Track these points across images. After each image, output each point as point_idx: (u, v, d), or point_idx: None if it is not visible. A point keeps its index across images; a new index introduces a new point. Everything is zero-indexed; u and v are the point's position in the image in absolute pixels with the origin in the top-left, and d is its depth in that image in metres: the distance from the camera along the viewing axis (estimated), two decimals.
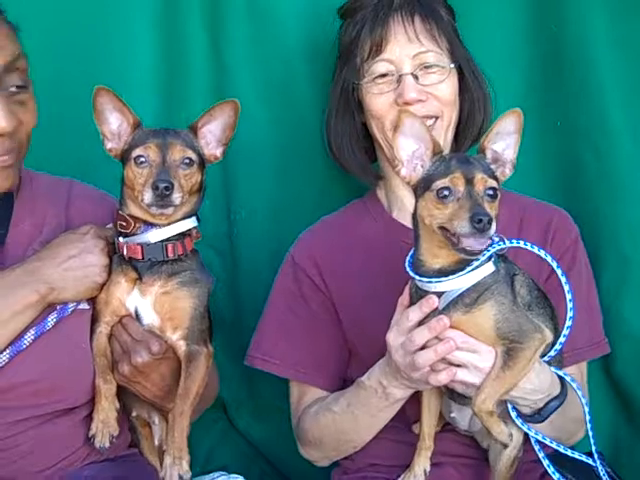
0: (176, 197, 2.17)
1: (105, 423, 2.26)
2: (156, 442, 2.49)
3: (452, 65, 2.55)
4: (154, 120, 2.88)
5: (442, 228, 2.11)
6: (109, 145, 2.28)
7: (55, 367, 2.21)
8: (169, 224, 2.25)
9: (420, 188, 2.17)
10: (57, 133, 2.78)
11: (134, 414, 2.45)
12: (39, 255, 2.25)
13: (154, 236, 2.24)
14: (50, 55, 2.87)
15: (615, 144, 2.88)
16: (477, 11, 2.91)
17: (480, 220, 2.03)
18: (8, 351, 2.16)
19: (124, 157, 2.25)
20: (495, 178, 2.15)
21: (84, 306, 2.27)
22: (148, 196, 2.16)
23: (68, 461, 2.26)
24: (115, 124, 2.27)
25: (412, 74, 2.51)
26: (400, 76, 2.51)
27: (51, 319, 2.21)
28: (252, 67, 3.00)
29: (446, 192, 2.10)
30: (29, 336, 2.18)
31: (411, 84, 2.50)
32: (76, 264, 2.23)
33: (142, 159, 2.21)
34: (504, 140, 2.18)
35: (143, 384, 2.30)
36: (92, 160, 2.59)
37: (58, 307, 2.23)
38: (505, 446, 2.30)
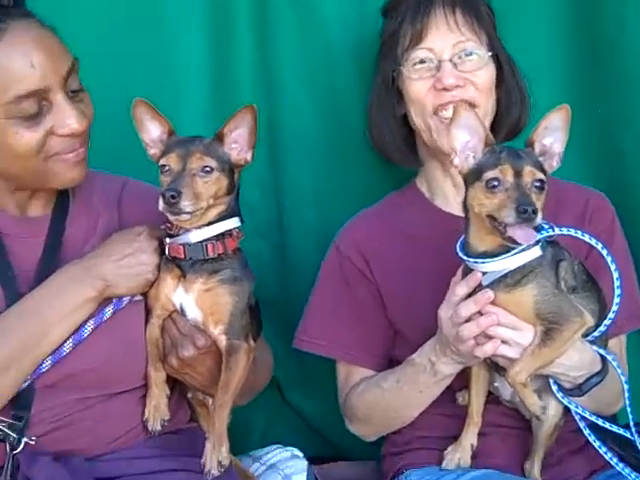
0: (185, 205, 2.22)
1: (156, 409, 2.37)
2: None
3: (489, 54, 2.61)
4: (205, 116, 3.04)
5: (490, 217, 2.20)
6: (151, 151, 2.35)
7: (112, 354, 2.33)
8: (209, 224, 2.32)
9: (471, 177, 2.27)
10: (111, 134, 2.83)
11: (189, 395, 2.54)
12: (96, 252, 2.36)
13: (195, 236, 2.31)
14: (105, 61, 2.97)
15: None
16: (518, 2, 2.98)
17: (525, 210, 2.12)
18: (70, 341, 2.27)
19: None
20: (543, 171, 2.23)
21: (138, 298, 2.38)
22: (160, 203, 2.24)
23: (133, 433, 2.39)
24: (155, 132, 2.34)
25: (451, 60, 2.57)
26: (439, 62, 2.58)
27: (108, 311, 2.33)
28: (298, 63, 3.08)
29: (495, 182, 2.20)
30: (88, 327, 2.30)
31: (449, 70, 2.57)
32: (130, 262, 2.33)
33: (166, 167, 2.28)
34: (552, 135, 2.26)
35: (191, 375, 2.39)
36: (143, 160, 2.61)
37: (114, 300, 2.34)
38: (537, 418, 2.39)
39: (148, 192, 2.45)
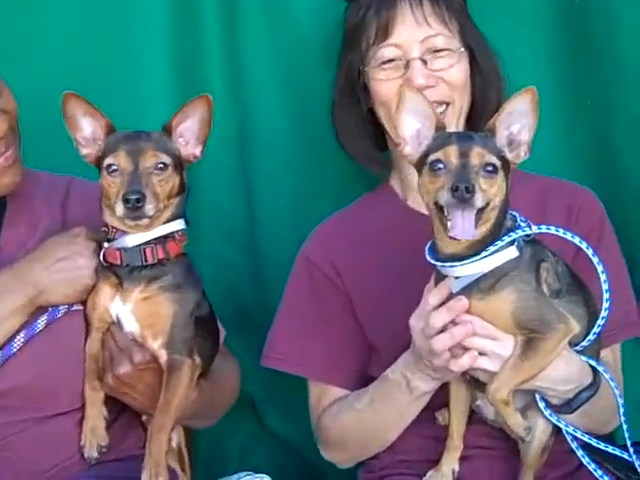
0: (149, 208, 2.17)
1: (93, 432, 2.30)
2: (173, 444, 2.49)
3: (462, 49, 2.55)
4: (169, 114, 2.85)
5: (436, 205, 2.10)
6: (84, 151, 2.28)
7: (47, 370, 2.26)
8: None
9: (419, 165, 2.17)
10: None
11: (144, 418, 2.45)
12: (29, 257, 2.30)
13: (132, 240, 2.25)
14: (61, 59, 2.95)
15: None
16: None
17: (457, 188, 2.00)
18: None
19: (99, 164, 2.25)
20: (501, 157, 2.13)
21: (76, 307, 2.32)
22: (120, 209, 2.16)
23: (72, 461, 2.31)
24: (88, 130, 2.27)
25: (420, 59, 2.51)
26: (408, 61, 2.52)
27: (41, 322, 2.26)
28: (269, 62, 3.04)
29: (440, 165, 2.09)
30: (18, 340, 2.24)
31: (419, 69, 2.50)
32: (66, 266, 2.28)
33: (114, 167, 2.20)
34: (519, 121, 2.15)
35: (130, 395, 2.34)
36: None
37: (49, 309, 2.28)
38: (522, 440, 2.29)
39: (94, 192, 2.39)
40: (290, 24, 3.00)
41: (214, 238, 3.07)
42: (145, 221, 2.20)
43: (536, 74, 2.91)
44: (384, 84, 2.54)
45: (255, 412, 3.16)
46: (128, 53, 2.98)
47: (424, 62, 2.50)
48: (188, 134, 2.27)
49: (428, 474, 2.43)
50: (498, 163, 2.09)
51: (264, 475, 2.67)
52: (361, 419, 2.51)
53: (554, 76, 2.96)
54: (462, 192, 1.99)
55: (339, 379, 2.61)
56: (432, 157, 2.11)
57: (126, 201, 2.14)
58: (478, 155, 2.07)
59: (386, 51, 2.53)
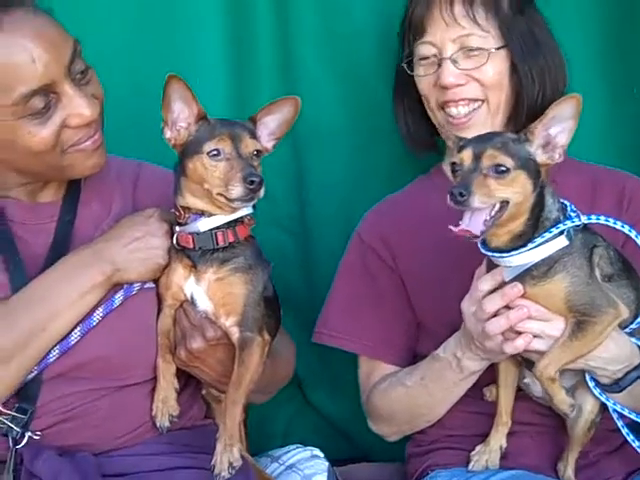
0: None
1: (164, 403, 2.28)
2: None
3: (494, 49, 2.49)
4: (223, 101, 2.97)
5: None
6: (169, 134, 2.24)
7: (123, 343, 2.26)
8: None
9: None
10: (126, 119, 2.78)
11: (204, 391, 2.46)
12: (105, 236, 2.29)
13: (204, 225, 2.23)
14: (119, 41, 2.93)
15: None
16: None
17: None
18: (79, 329, 2.20)
19: (187, 148, 2.22)
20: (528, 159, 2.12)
21: (149, 285, 2.30)
22: (238, 190, 2.14)
23: (144, 428, 2.30)
24: (179, 113, 2.23)
25: (451, 58, 2.48)
26: (440, 59, 2.50)
27: (118, 297, 2.25)
28: (320, 47, 3.01)
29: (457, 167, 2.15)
30: (98, 314, 2.23)
31: (449, 69, 2.48)
32: (140, 246, 2.26)
33: (215, 152, 2.17)
34: (559, 124, 2.13)
35: (201, 368, 2.31)
36: (159, 145, 2.54)
37: (125, 286, 2.27)
38: (566, 416, 2.30)
39: (163, 176, 2.39)
40: (343, 11, 2.96)
41: (265, 222, 2.94)
42: (253, 202, 2.20)
43: (583, 64, 2.87)
44: (422, 79, 2.56)
45: (300, 389, 3.17)
46: (181, 43, 2.95)
47: (454, 61, 2.48)
48: (262, 128, 2.26)
49: (477, 448, 2.44)
50: (511, 165, 2.08)
51: (313, 448, 2.68)
52: (411, 395, 2.51)
53: (600, 65, 2.95)
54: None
55: (389, 356, 2.61)
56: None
57: (250, 182, 2.12)
58: (490, 157, 2.08)
59: (422, 48, 2.54)
